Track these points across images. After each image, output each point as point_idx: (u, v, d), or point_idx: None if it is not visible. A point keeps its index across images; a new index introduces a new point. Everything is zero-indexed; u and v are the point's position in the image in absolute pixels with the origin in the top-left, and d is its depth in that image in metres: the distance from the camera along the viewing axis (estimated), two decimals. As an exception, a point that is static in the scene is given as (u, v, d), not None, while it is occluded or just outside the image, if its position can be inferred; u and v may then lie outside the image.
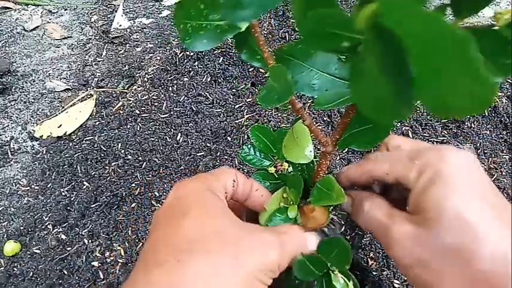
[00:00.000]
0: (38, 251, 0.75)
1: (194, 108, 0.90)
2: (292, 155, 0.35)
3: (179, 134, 0.86)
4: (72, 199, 0.80)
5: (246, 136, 0.84)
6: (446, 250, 0.26)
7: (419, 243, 0.27)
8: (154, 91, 0.96)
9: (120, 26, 1.20)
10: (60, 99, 1.03)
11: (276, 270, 0.30)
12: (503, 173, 0.83)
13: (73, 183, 0.83)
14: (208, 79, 0.95)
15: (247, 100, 0.91)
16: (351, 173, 0.35)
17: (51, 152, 0.90)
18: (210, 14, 0.25)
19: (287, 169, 0.41)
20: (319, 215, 0.36)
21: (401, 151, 0.34)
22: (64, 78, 1.08)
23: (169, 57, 1.01)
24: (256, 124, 0.40)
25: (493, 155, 0.85)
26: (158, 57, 1.05)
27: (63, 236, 0.76)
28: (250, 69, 0.96)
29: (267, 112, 0.86)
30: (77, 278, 0.71)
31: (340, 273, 0.33)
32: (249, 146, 0.42)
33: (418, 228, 0.28)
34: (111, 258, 0.73)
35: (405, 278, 0.66)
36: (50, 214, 0.79)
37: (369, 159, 0.34)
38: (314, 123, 0.86)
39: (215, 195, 0.32)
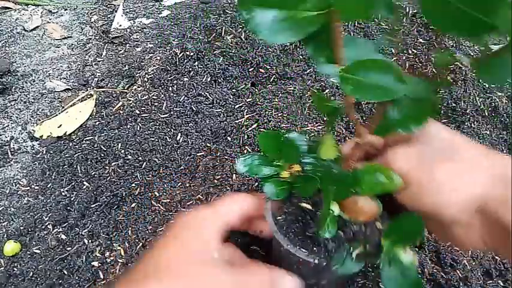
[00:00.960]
0: (38, 251, 0.75)
1: (194, 108, 0.90)
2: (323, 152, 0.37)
3: (179, 134, 0.86)
4: (72, 199, 0.80)
5: (246, 136, 0.84)
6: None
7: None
8: (154, 91, 0.96)
9: (120, 26, 1.20)
10: (60, 99, 1.03)
11: None
12: (503, 173, 0.83)
13: (73, 183, 0.83)
14: (208, 79, 0.95)
15: (247, 100, 0.91)
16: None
17: (51, 152, 0.90)
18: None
19: (300, 171, 0.40)
20: (368, 206, 0.36)
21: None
22: (64, 78, 1.08)
23: (169, 57, 1.01)
24: (264, 131, 0.40)
25: (493, 155, 0.84)
26: (158, 57, 1.05)
27: (63, 236, 0.76)
28: (250, 69, 0.96)
29: (267, 112, 0.86)
30: (77, 278, 0.71)
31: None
32: (247, 157, 0.41)
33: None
34: (111, 258, 0.73)
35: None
36: (50, 214, 0.79)
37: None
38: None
39: (200, 230, 0.34)
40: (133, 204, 0.78)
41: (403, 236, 0.33)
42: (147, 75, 1.01)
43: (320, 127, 0.86)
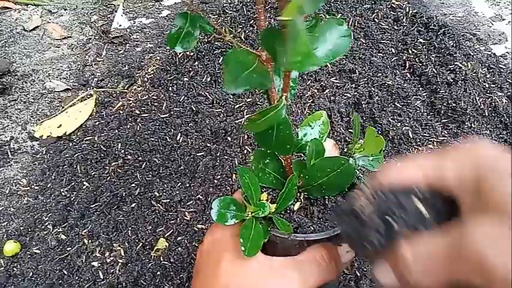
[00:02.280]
0: (37, 251, 0.75)
1: (194, 108, 0.90)
2: None
3: (179, 134, 0.86)
4: (72, 199, 0.80)
5: (246, 136, 0.84)
6: None
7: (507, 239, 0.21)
8: (154, 91, 0.96)
9: (120, 26, 1.20)
10: (60, 99, 1.03)
11: None
12: (503, 173, 0.83)
13: (73, 183, 0.83)
14: (208, 79, 0.95)
15: (247, 100, 0.91)
16: (390, 176, 0.28)
17: (51, 152, 0.90)
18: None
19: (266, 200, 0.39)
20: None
21: (418, 157, 0.28)
22: (64, 78, 1.08)
23: (169, 57, 1.01)
24: (241, 166, 0.38)
25: (493, 155, 0.84)
26: (158, 57, 1.05)
27: (63, 236, 0.76)
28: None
29: (267, 112, 0.86)
30: (76, 278, 0.71)
31: None
32: (221, 201, 0.37)
33: (495, 225, 0.22)
34: (111, 258, 0.73)
35: None
36: (50, 214, 0.79)
37: (382, 169, 0.29)
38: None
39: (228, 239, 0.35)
40: (133, 204, 0.78)
41: None
42: (147, 75, 1.01)
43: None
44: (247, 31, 1.01)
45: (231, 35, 0.99)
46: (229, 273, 0.32)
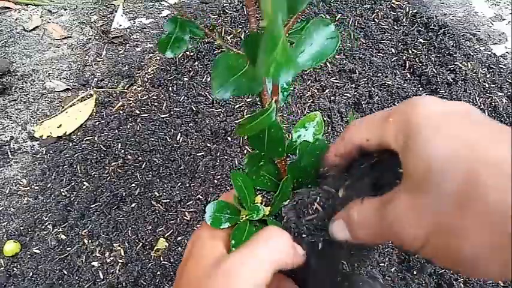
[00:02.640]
0: (38, 251, 0.75)
1: (194, 108, 0.90)
2: None
3: (179, 134, 0.86)
4: (72, 199, 0.80)
5: (246, 136, 0.83)
6: (454, 203, 0.22)
7: (424, 211, 0.23)
8: (154, 91, 0.96)
9: (120, 26, 1.20)
10: (60, 99, 1.03)
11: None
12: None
13: (73, 184, 0.83)
14: (208, 79, 0.95)
15: (247, 100, 0.91)
16: (336, 147, 0.32)
17: (51, 152, 0.90)
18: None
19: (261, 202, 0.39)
20: None
21: (376, 113, 0.29)
22: (64, 78, 1.08)
23: (169, 57, 1.01)
24: (233, 171, 0.38)
25: (493, 155, 0.84)
26: (158, 57, 1.05)
27: (63, 236, 0.76)
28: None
29: (267, 112, 0.86)
30: (76, 278, 0.71)
31: None
32: (215, 205, 0.36)
33: (415, 195, 0.23)
34: (111, 258, 0.73)
35: None
36: (50, 214, 0.79)
37: (349, 126, 0.31)
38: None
39: (214, 242, 0.33)
40: (133, 204, 0.78)
41: None
42: (147, 75, 1.01)
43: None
44: (247, 31, 1.01)
45: (231, 36, 0.99)
46: (190, 272, 0.32)
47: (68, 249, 0.74)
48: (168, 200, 0.78)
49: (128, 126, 0.90)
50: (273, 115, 0.31)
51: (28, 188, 0.85)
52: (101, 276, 0.71)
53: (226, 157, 0.81)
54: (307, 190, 0.35)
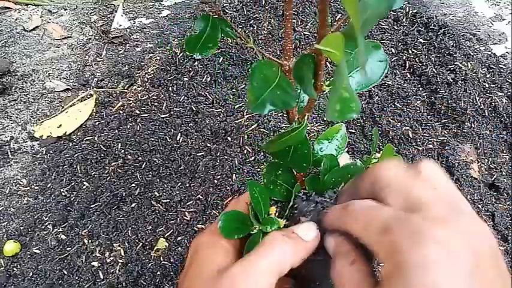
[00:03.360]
0: (38, 251, 0.75)
1: (194, 108, 0.90)
2: None
3: (179, 134, 0.86)
4: (72, 199, 0.80)
5: (246, 136, 0.84)
6: None
7: None
8: (154, 91, 0.96)
9: (120, 26, 1.20)
10: (60, 99, 1.03)
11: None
12: (504, 173, 0.83)
13: (73, 184, 0.83)
14: (208, 79, 0.95)
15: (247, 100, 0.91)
16: (330, 219, 0.32)
17: (51, 152, 0.90)
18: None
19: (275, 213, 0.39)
20: None
21: (379, 211, 0.27)
22: (64, 78, 1.08)
23: (169, 57, 1.01)
24: (251, 180, 0.36)
25: (493, 155, 0.84)
26: (158, 57, 1.05)
27: (63, 236, 0.76)
28: (250, 70, 0.96)
29: (267, 112, 0.86)
30: (76, 278, 0.71)
31: None
32: (228, 215, 0.35)
33: None
34: (111, 258, 0.73)
35: None
36: (50, 214, 0.79)
37: (348, 209, 0.29)
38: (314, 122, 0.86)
39: (215, 250, 0.33)
40: (133, 204, 0.78)
41: None
42: (147, 75, 1.01)
43: (320, 127, 0.86)
44: (247, 31, 1.00)
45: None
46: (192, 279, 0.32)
47: (68, 249, 0.74)
48: (168, 200, 0.78)
49: (128, 126, 0.90)
50: (304, 132, 0.30)
51: (28, 188, 0.85)
52: (101, 276, 0.71)
53: (226, 157, 0.81)
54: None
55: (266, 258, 0.30)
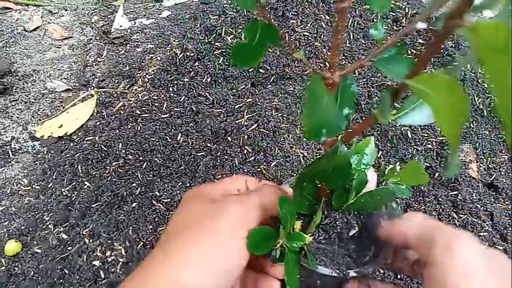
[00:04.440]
0: (39, 251, 0.75)
1: (194, 109, 0.91)
2: None
3: (179, 134, 0.87)
4: (73, 199, 0.81)
5: (246, 136, 0.84)
6: None
7: None
8: (155, 91, 0.96)
9: (121, 26, 1.21)
10: (61, 100, 1.04)
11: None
12: (503, 173, 0.83)
13: (74, 183, 0.83)
14: (209, 79, 0.95)
15: (247, 100, 0.91)
16: (389, 231, 0.36)
17: (52, 152, 0.90)
18: None
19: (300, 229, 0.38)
20: None
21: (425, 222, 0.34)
22: (65, 78, 1.09)
23: (170, 58, 1.01)
24: (283, 196, 0.36)
25: (492, 155, 0.85)
26: (158, 58, 1.06)
27: (64, 236, 0.76)
28: (250, 70, 0.96)
29: (267, 112, 0.86)
30: (78, 277, 0.71)
31: None
32: (257, 232, 0.35)
33: None
34: (112, 257, 0.73)
35: None
36: (51, 214, 0.79)
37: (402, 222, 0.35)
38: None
39: (204, 202, 0.38)
40: (134, 204, 0.78)
41: None
42: (147, 76, 1.01)
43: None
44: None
45: (231, 36, 1.00)
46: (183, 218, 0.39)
47: (69, 248, 0.75)
48: (168, 200, 0.78)
49: (129, 126, 0.90)
50: (350, 156, 0.30)
51: (29, 187, 0.85)
52: (102, 275, 0.71)
53: (226, 157, 0.82)
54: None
55: (257, 196, 0.37)
